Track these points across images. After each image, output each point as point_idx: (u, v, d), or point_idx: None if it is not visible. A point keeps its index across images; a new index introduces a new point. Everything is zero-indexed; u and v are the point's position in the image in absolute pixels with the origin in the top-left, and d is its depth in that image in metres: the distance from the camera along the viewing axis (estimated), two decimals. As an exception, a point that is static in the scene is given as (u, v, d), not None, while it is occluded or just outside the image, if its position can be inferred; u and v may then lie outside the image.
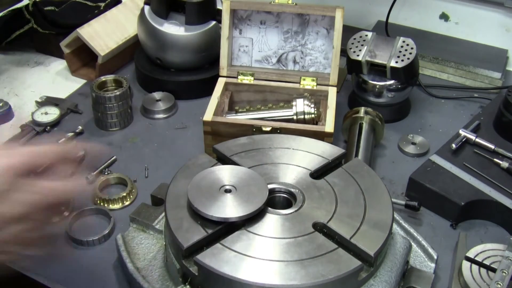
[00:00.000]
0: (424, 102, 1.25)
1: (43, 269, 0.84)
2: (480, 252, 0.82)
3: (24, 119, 1.15)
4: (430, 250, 0.84)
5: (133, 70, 1.31)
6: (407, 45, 1.12)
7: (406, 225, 0.87)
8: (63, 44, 1.26)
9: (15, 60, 1.36)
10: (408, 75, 1.12)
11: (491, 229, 0.93)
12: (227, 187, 0.76)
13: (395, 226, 0.87)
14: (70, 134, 1.10)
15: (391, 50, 1.12)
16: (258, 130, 1.00)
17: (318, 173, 0.84)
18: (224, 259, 0.68)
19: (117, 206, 0.95)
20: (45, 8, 1.31)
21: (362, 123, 1.05)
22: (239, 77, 1.14)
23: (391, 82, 1.13)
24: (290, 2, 1.11)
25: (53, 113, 1.15)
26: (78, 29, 1.22)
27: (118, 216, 0.92)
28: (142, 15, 1.23)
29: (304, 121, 1.05)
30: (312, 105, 1.06)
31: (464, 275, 0.79)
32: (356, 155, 0.99)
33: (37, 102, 1.20)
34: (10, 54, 1.38)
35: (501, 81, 1.28)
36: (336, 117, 1.05)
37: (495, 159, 0.99)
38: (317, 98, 1.11)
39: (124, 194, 0.95)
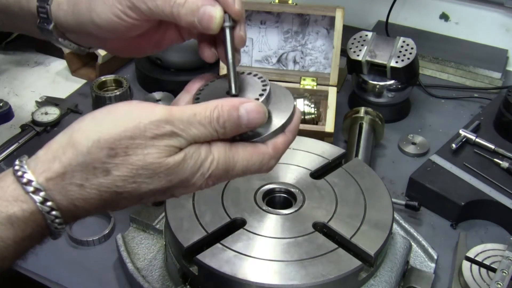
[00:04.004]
0: (424, 102, 1.24)
1: (43, 269, 0.84)
2: (480, 252, 0.82)
3: (24, 119, 1.15)
4: (430, 250, 0.84)
5: (133, 70, 1.31)
6: (407, 45, 1.12)
7: (406, 225, 0.87)
8: (63, 44, 1.26)
9: (15, 60, 1.36)
10: (408, 75, 1.12)
11: (491, 229, 0.93)
12: None
13: (395, 226, 0.87)
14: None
15: (391, 50, 1.12)
16: (258, 130, 1.00)
17: (318, 173, 0.84)
18: (224, 259, 0.68)
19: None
20: (45, 8, 1.31)
21: (362, 123, 1.05)
22: (239, 77, 1.14)
23: (391, 82, 1.13)
24: (290, 2, 1.11)
25: (53, 113, 1.15)
26: (78, 29, 1.22)
27: (118, 216, 0.92)
28: (142, 15, 1.23)
29: (304, 121, 1.05)
30: (312, 105, 1.06)
31: (464, 275, 0.79)
32: (356, 155, 0.99)
33: (37, 102, 1.20)
34: (10, 54, 1.38)
35: (501, 81, 1.28)
36: (336, 117, 1.05)
37: (495, 159, 0.99)
38: (317, 98, 1.11)
39: (124, 194, 0.95)
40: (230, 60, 0.56)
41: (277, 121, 0.53)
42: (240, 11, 0.56)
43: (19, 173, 0.46)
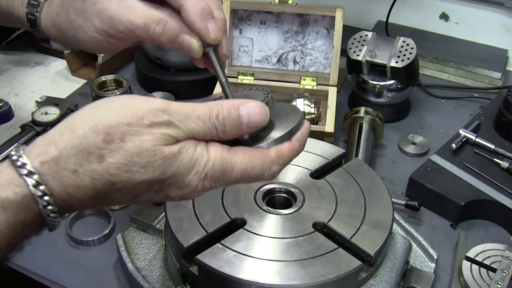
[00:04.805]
0: (424, 102, 1.24)
1: (43, 269, 0.84)
2: (480, 252, 0.82)
3: (24, 119, 1.15)
4: (430, 250, 0.84)
5: (133, 70, 1.31)
6: (407, 45, 1.12)
7: (406, 225, 0.87)
8: (63, 44, 1.26)
9: (15, 60, 1.36)
10: (408, 75, 1.12)
11: (491, 229, 0.93)
12: None
13: (395, 226, 0.87)
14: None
15: (391, 50, 1.12)
16: (258, 130, 1.00)
17: (318, 173, 0.84)
18: (224, 259, 0.68)
19: (117, 206, 0.95)
20: (45, 8, 1.31)
21: (362, 123, 1.05)
22: (239, 77, 1.14)
23: (391, 82, 1.13)
24: (290, 2, 1.11)
25: (53, 113, 1.15)
26: (78, 29, 1.22)
27: (118, 216, 0.92)
28: (142, 15, 1.23)
29: (304, 121, 1.05)
30: (312, 105, 1.06)
31: (464, 275, 0.79)
32: (356, 155, 0.99)
33: (37, 102, 1.20)
34: (10, 54, 1.38)
35: (501, 81, 1.28)
36: (336, 117, 1.05)
37: (495, 159, 0.99)
38: (317, 98, 1.11)
39: (124, 194, 0.95)
40: (223, 80, 0.57)
41: (283, 130, 0.53)
42: (216, 39, 0.56)
43: (14, 157, 0.47)
